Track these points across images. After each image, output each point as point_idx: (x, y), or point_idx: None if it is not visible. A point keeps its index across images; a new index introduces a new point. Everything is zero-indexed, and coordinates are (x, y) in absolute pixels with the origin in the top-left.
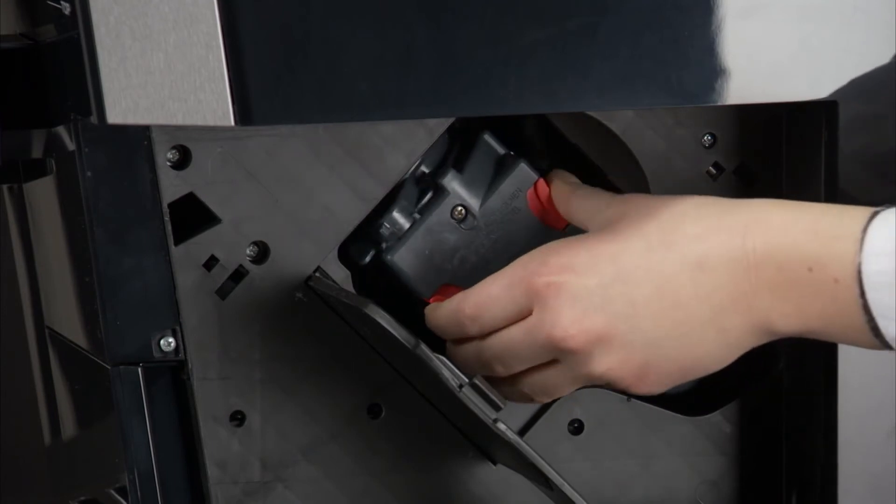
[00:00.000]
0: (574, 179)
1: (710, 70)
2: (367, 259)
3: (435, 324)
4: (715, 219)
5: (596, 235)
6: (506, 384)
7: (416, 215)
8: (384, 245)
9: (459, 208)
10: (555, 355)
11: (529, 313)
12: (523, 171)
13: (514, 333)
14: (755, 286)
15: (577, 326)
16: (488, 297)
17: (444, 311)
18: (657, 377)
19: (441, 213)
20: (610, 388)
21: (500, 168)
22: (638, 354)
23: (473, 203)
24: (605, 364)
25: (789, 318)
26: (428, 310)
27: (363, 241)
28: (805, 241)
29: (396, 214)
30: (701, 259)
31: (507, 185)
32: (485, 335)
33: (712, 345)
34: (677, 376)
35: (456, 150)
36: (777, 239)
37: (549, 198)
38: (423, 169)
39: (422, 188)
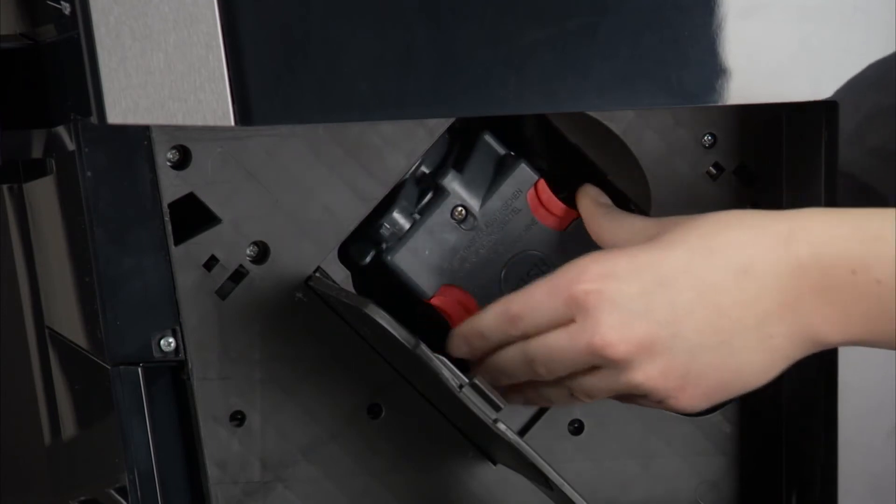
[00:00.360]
0: (606, 199)
1: (710, 70)
2: (368, 259)
3: (480, 325)
4: (759, 227)
5: (637, 246)
6: (549, 386)
7: (417, 216)
8: (384, 245)
9: (460, 209)
10: (597, 362)
11: (572, 321)
12: (524, 171)
13: (558, 338)
14: (800, 292)
15: (617, 334)
16: (533, 300)
17: (491, 313)
18: (697, 388)
19: (441, 214)
20: (647, 402)
21: (501, 168)
22: (679, 363)
23: (474, 203)
24: (645, 373)
25: (833, 325)
26: (472, 318)
27: (363, 241)
28: (847, 243)
29: (396, 215)
30: (746, 265)
31: (508, 186)
32: (529, 338)
33: (755, 354)
34: (718, 390)
35: (456, 150)
36: (820, 243)
37: (550, 198)
38: (424, 169)
39: (422, 188)
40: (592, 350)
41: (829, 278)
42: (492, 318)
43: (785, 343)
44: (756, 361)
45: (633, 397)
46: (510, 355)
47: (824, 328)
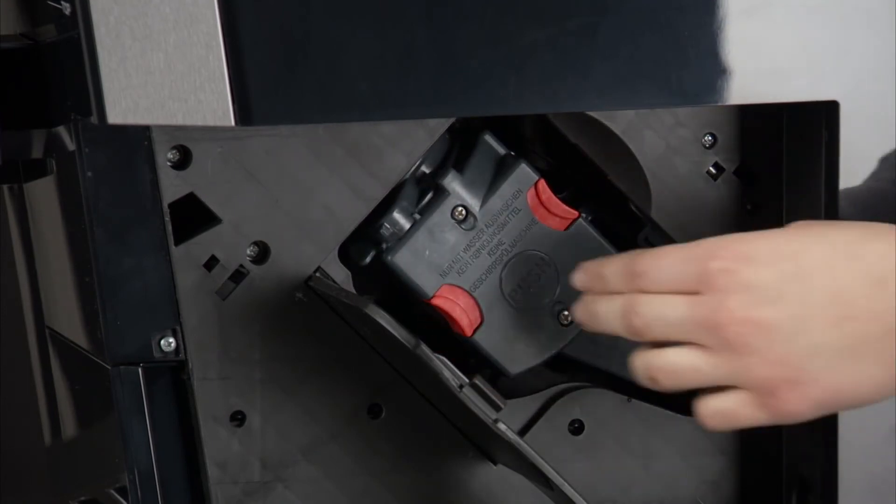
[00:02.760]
0: None
1: (711, 70)
2: (368, 259)
3: (603, 268)
4: None
5: (778, 231)
6: (644, 352)
7: (417, 216)
8: (384, 245)
9: (460, 209)
10: (706, 339)
11: (696, 292)
12: (524, 171)
13: (675, 303)
14: None
15: (742, 313)
16: (663, 261)
17: (618, 261)
18: (810, 389)
19: (441, 214)
20: (743, 408)
21: (501, 168)
22: (797, 357)
23: (474, 203)
24: (761, 357)
25: None
26: (601, 259)
27: (363, 241)
28: None
29: (397, 215)
30: (885, 276)
31: (508, 186)
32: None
33: (876, 366)
34: (831, 397)
35: (456, 150)
36: None
37: (550, 198)
38: (424, 169)
39: (422, 188)
40: (711, 324)
41: None
42: (616, 266)
43: None
44: (876, 374)
45: (726, 400)
46: (613, 303)
47: None
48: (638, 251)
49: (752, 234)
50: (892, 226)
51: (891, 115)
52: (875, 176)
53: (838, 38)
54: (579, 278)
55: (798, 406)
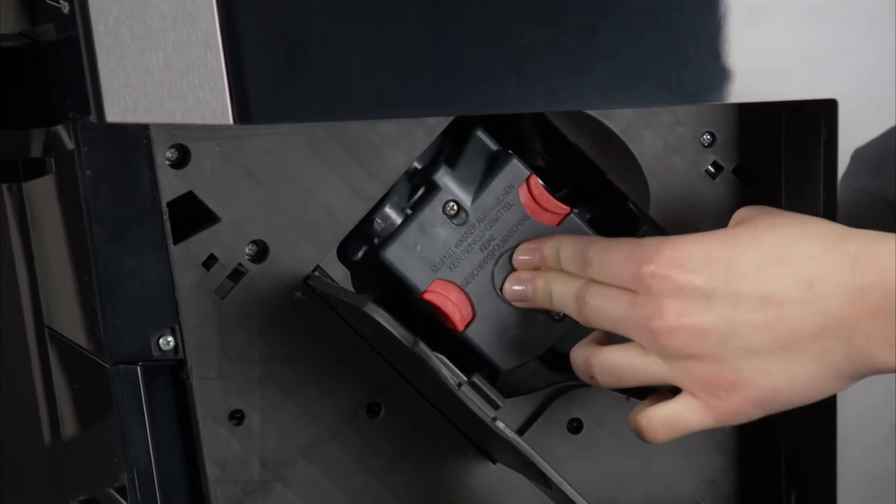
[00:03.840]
0: None
1: (710, 70)
2: (360, 255)
3: (556, 249)
4: (831, 243)
5: (712, 236)
6: (584, 347)
7: (408, 211)
8: (376, 241)
9: (451, 204)
10: (644, 341)
11: (636, 291)
12: (515, 166)
13: (617, 301)
14: (859, 313)
15: (675, 320)
16: (609, 256)
17: (572, 245)
18: (749, 391)
19: (433, 209)
20: (685, 411)
21: (493, 164)
22: (733, 360)
23: (465, 199)
24: (696, 361)
25: (890, 347)
26: (556, 238)
27: (355, 237)
28: None
29: (388, 210)
30: (812, 278)
31: (500, 181)
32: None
33: (811, 364)
34: (770, 397)
35: (448, 145)
36: (886, 269)
37: (542, 194)
38: (416, 165)
39: (414, 184)
40: (646, 329)
41: (889, 300)
42: (569, 250)
43: (841, 360)
44: (811, 372)
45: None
46: (567, 286)
47: (882, 352)
48: (592, 238)
49: (687, 238)
50: (835, 225)
51: (890, 113)
52: (874, 175)
53: (837, 36)
54: (527, 249)
55: (740, 406)
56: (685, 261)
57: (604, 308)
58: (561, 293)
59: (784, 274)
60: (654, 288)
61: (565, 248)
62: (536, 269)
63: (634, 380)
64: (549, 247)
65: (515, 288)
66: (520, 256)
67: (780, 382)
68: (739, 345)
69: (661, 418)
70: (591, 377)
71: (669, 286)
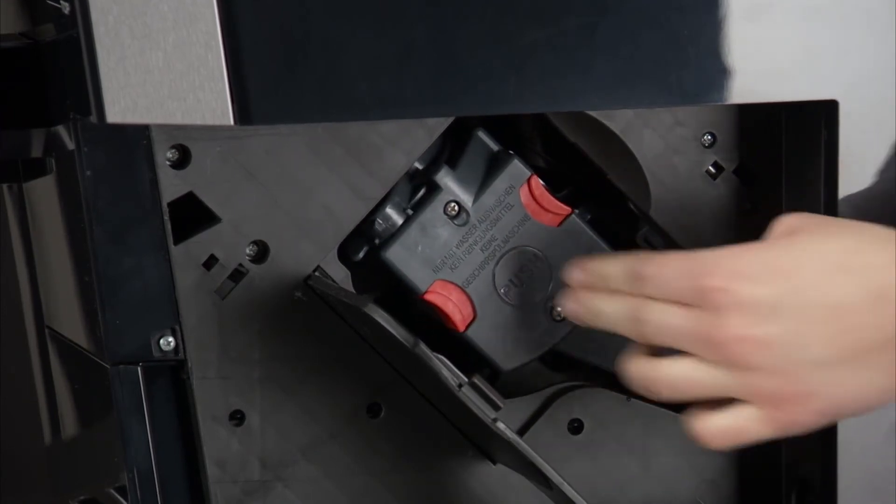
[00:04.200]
0: None
1: (710, 70)
2: (360, 255)
3: (605, 268)
4: (894, 251)
5: (771, 244)
6: (641, 362)
7: (409, 211)
8: (377, 241)
9: (452, 204)
10: (707, 353)
11: (697, 305)
12: (516, 167)
13: (677, 316)
14: None
15: (741, 331)
16: (665, 270)
17: (622, 263)
18: (815, 402)
19: (434, 210)
20: (748, 421)
21: (494, 164)
22: (802, 372)
23: (466, 199)
24: (762, 373)
25: None
26: (600, 258)
27: (356, 237)
28: None
29: (389, 210)
30: (883, 289)
31: (501, 182)
32: (647, 299)
33: (879, 374)
34: (835, 408)
35: (449, 146)
36: None
37: (543, 194)
38: (417, 165)
39: (415, 184)
40: (711, 341)
41: None
42: (620, 268)
43: None
44: (879, 382)
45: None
46: (619, 305)
47: None
48: (642, 255)
49: (744, 249)
50: (889, 230)
51: (890, 114)
52: (874, 175)
53: (837, 37)
54: (576, 274)
55: (804, 418)
56: (746, 271)
57: (666, 324)
58: (613, 312)
59: (850, 283)
60: (717, 301)
61: (612, 266)
62: (586, 287)
63: (694, 392)
64: (593, 265)
65: (568, 307)
66: (569, 275)
67: (848, 394)
68: (806, 356)
69: (721, 427)
70: (651, 390)
71: (732, 299)
